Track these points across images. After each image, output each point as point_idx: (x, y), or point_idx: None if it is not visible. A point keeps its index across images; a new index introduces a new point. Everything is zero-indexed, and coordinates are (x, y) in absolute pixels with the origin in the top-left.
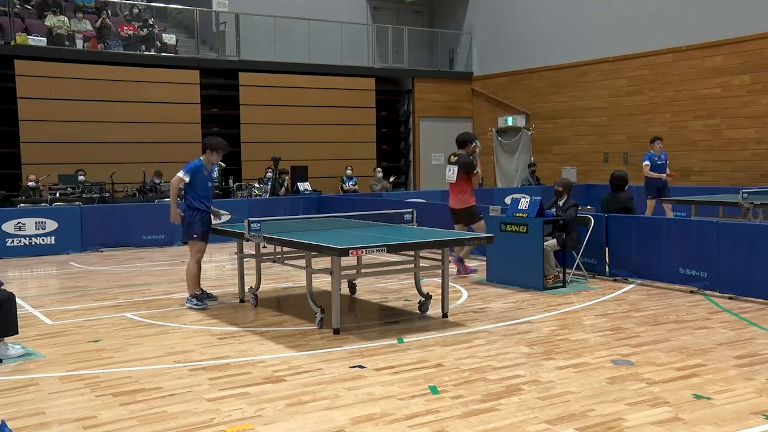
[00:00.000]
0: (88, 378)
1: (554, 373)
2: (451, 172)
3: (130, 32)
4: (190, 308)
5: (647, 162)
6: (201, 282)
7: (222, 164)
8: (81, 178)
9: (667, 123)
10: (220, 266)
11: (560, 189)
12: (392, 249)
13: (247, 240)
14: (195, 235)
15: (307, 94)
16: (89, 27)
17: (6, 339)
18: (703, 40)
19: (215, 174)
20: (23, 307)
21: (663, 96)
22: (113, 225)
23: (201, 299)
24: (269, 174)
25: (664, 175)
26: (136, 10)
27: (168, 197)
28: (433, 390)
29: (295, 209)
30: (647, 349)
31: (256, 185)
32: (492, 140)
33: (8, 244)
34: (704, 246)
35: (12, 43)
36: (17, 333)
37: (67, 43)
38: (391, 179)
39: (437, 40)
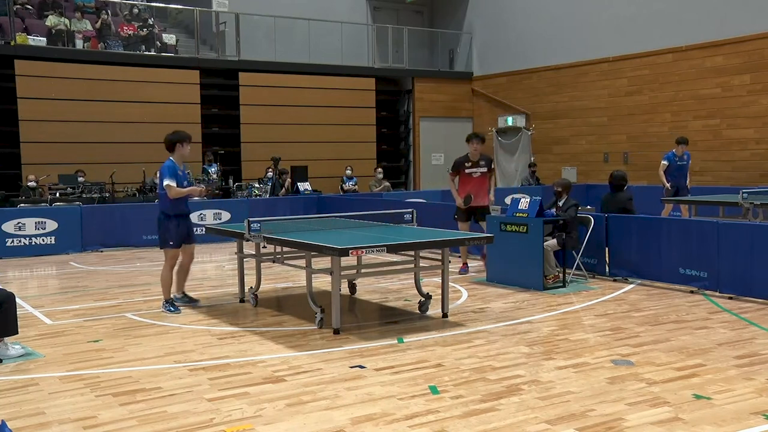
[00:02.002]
0: (88, 378)
1: (554, 373)
2: None
3: (130, 32)
4: (164, 312)
5: (665, 162)
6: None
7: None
8: (80, 179)
9: (667, 123)
10: (220, 266)
11: (559, 189)
12: (392, 249)
13: (247, 240)
14: (171, 243)
15: (307, 94)
16: (89, 27)
17: (6, 339)
18: (703, 40)
19: (189, 173)
20: (23, 307)
21: (663, 96)
22: (113, 225)
23: (174, 305)
24: (270, 174)
25: (669, 184)
26: (136, 10)
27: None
28: (433, 390)
29: (295, 209)
30: (647, 349)
31: (256, 185)
32: (492, 140)
33: (8, 244)
34: (704, 246)
35: (12, 43)
36: (17, 333)
37: (67, 42)
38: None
39: (437, 40)
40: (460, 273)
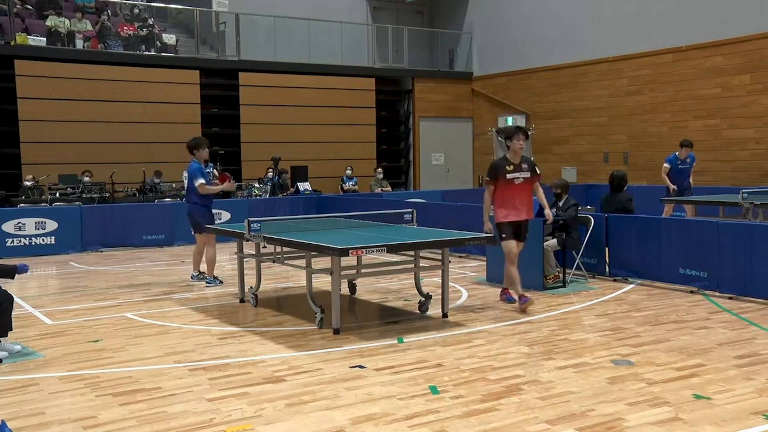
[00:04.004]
0: (88, 378)
1: (554, 373)
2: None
3: (130, 32)
4: (209, 285)
5: (666, 165)
6: (201, 282)
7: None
8: (87, 179)
9: (667, 123)
10: (220, 266)
11: (558, 191)
12: (392, 249)
13: (247, 240)
14: (206, 226)
15: (307, 94)
16: (89, 27)
17: (2, 339)
18: (703, 40)
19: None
20: (23, 307)
21: (663, 96)
22: (113, 225)
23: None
24: (270, 174)
25: (673, 187)
26: (136, 10)
27: (167, 198)
28: (433, 390)
29: (295, 209)
30: (647, 349)
31: (256, 185)
32: (492, 140)
33: (8, 244)
34: (704, 246)
35: (12, 43)
36: (6, 336)
37: (67, 42)
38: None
39: (437, 40)
40: (512, 301)
